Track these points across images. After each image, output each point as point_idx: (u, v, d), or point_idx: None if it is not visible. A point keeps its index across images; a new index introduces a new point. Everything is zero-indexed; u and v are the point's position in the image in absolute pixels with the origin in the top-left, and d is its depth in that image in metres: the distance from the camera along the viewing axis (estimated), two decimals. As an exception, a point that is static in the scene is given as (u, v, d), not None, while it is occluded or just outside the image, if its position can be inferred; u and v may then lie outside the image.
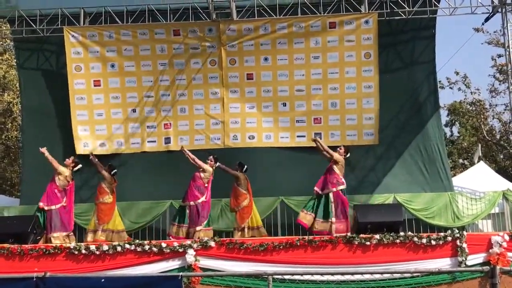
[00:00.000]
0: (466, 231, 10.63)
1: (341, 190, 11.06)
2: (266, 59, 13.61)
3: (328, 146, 12.76)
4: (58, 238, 10.68)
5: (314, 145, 12.53)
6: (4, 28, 15.33)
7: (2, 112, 21.46)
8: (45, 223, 10.91)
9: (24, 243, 9.97)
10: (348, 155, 11.53)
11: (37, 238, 10.48)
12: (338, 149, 11.46)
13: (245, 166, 11.92)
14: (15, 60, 15.89)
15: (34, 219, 10.63)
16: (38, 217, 10.90)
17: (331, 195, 11.00)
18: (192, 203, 11.26)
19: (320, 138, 13.14)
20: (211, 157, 11.72)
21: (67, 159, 11.73)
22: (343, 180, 11.14)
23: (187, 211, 11.27)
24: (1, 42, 21.77)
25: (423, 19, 13.37)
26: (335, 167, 11.13)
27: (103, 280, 6.26)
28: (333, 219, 10.76)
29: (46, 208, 11.03)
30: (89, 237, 11.15)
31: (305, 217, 11.02)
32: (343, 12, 13.26)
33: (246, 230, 11.53)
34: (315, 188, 11.17)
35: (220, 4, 13.09)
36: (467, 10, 13.23)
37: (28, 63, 14.22)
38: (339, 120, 13.55)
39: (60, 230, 10.90)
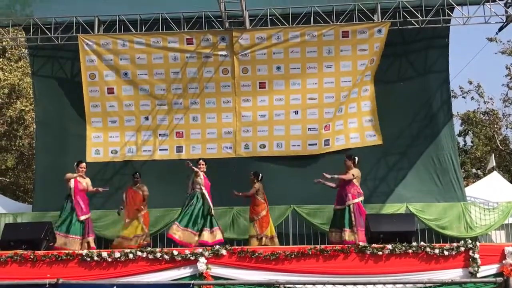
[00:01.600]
0: (479, 242, 10.52)
1: (361, 200, 11.18)
2: (278, 68, 13.64)
3: (338, 152, 12.81)
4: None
5: (325, 151, 12.65)
6: (20, 35, 15.48)
7: (15, 119, 21.65)
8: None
9: (37, 250, 10.00)
10: (357, 160, 11.50)
11: (50, 245, 10.52)
12: (349, 161, 11.42)
13: (261, 175, 11.93)
14: (29, 68, 16.01)
15: (47, 226, 10.68)
16: (51, 223, 10.97)
17: (352, 206, 11.07)
18: None
19: (328, 145, 13.19)
20: (201, 160, 11.69)
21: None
22: (361, 190, 11.22)
23: None
24: (16, 50, 21.99)
25: (436, 28, 13.33)
26: (354, 180, 11.22)
27: (115, 287, 6.28)
28: (356, 229, 10.88)
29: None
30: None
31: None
32: (356, 21, 13.26)
33: (263, 239, 11.57)
34: (336, 207, 11.28)
35: (233, 13, 13.16)
36: (481, 20, 13.19)
37: (42, 70, 14.36)
38: (342, 125, 13.57)
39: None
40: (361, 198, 11.23)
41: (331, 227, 11.53)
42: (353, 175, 11.25)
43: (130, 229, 11.82)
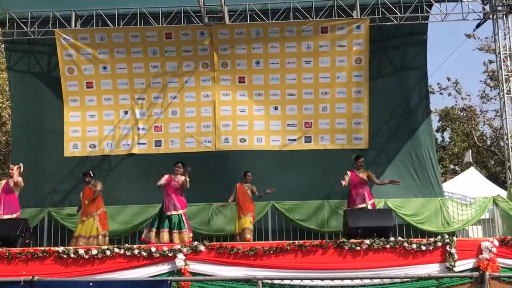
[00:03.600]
0: (456, 237, 10.64)
1: None
2: (258, 62, 13.62)
3: (320, 150, 12.90)
4: None
5: (306, 148, 12.70)
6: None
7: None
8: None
9: (13, 247, 9.89)
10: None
11: (26, 242, 10.41)
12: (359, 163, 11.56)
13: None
14: (5, 63, 15.78)
15: (23, 223, 10.56)
16: (27, 220, 10.84)
17: (370, 205, 11.23)
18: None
19: (310, 142, 13.27)
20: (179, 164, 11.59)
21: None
22: None
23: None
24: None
25: (414, 24, 13.41)
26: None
27: (91, 284, 6.26)
28: None
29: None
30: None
31: None
32: (335, 17, 13.26)
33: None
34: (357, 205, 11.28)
35: (212, 8, 13.08)
36: (459, 17, 13.30)
37: (18, 65, 14.13)
38: (328, 124, 13.57)
39: None
40: None
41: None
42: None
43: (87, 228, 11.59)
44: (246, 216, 11.75)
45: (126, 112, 13.81)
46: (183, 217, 11.15)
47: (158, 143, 13.78)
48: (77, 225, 11.63)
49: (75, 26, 13.54)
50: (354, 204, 11.19)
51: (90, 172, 11.94)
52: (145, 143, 13.82)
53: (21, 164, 11.40)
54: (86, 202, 11.48)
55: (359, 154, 11.89)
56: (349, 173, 11.39)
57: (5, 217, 10.95)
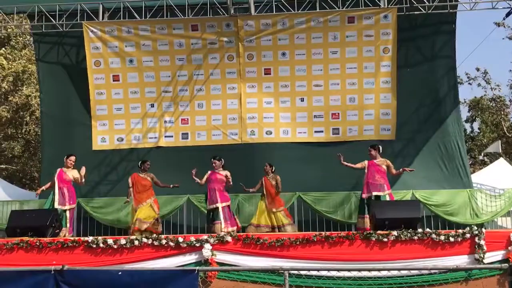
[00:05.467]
0: (485, 228, 10.51)
1: None
2: (284, 54, 13.57)
3: (345, 142, 12.85)
4: None
5: (333, 140, 12.72)
6: (24, 23, 15.45)
7: (21, 106, 21.69)
8: None
9: (43, 237, 10.07)
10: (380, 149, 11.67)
11: (56, 232, 10.58)
12: (374, 151, 11.50)
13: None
14: (34, 56, 15.98)
15: (53, 213, 10.73)
16: (57, 211, 11.01)
17: (388, 195, 11.18)
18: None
19: (338, 133, 13.23)
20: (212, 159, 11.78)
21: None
22: None
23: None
24: (21, 38, 21.98)
25: (443, 13, 13.21)
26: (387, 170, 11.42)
27: (120, 273, 6.30)
28: None
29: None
30: None
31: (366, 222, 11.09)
32: (362, 6, 13.13)
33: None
34: (365, 195, 11.31)
35: (238, -1, 13.07)
36: (488, 5, 13.04)
37: (47, 56, 14.34)
38: (356, 116, 13.47)
39: None
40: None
41: (360, 213, 11.53)
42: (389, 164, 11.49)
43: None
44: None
45: (152, 105, 13.89)
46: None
47: (185, 136, 13.86)
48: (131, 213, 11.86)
49: (103, 18, 13.65)
50: (369, 192, 11.24)
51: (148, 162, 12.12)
52: (172, 136, 13.91)
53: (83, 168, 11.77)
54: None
55: (372, 144, 11.85)
56: (366, 161, 11.45)
57: (67, 207, 11.36)
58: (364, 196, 11.33)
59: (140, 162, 12.13)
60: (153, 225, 11.53)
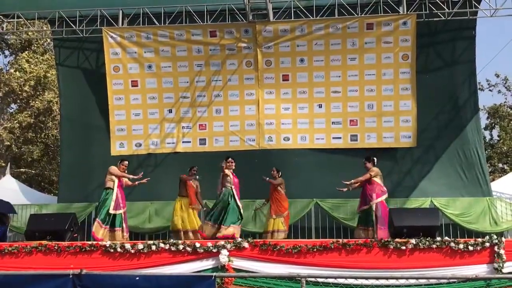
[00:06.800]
0: (505, 237, 10.37)
1: (384, 199, 11.01)
2: (302, 60, 13.55)
3: (364, 149, 12.75)
4: None
5: (352, 147, 12.57)
6: (45, 28, 15.62)
7: (43, 111, 21.91)
8: None
9: (61, 240, 10.14)
10: (375, 160, 11.37)
11: (74, 236, 10.64)
12: (369, 163, 11.30)
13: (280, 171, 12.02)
14: (55, 60, 16.14)
15: (72, 217, 10.81)
16: (75, 215, 11.07)
17: (375, 205, 10.88)
18: None
19: (356, 140, 13.13)
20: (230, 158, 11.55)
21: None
22: (385, 189, 11.10)
23: None
24: (42, 42, 22.23)
25: (463, 19, 13.11)
26: (375, 179, 11.07)
27: (137, 278, 6.31)
28: (376, 227, 10.73)
29: None
30: None
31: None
32: (380, 13, 13.10)
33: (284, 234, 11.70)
34: (361, 208, 11.18)
35: (257, 6, 13.10)
36: (509, 12, 12.92)
37: (67, 61, 14.50)
38: (375, 122, 13.40)
39: None
40: (385, 196, 11.07)
41: (359, 224, 11.41)
42: (370, 174, 11.07)
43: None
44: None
45: (170, 111, 13.95)
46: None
47: (202, 141, 13.89)
48: (176, 213, 11.89)
49: (122, 24, 13.77)
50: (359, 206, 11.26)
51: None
52: (189, 141, 13.95)
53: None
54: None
55: (367, 156, 11.56)
56: (368, 173, 11.23)
57: (122, 210, 11.29)
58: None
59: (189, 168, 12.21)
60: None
